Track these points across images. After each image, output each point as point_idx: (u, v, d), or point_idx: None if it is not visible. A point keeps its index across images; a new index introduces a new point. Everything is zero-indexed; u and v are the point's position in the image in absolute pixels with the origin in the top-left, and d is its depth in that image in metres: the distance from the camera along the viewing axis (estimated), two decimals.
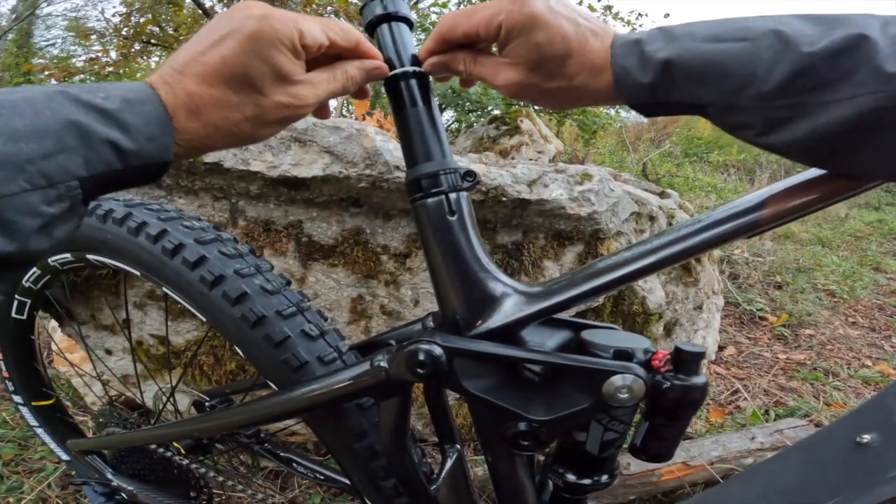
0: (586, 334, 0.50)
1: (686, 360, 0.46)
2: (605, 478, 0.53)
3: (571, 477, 0.53)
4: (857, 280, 2.76)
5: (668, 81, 0.39)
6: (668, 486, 1.15)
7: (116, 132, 0.34)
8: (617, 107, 4.71)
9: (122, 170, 0.34)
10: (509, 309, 0.49)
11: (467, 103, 3.51)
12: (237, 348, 0.60)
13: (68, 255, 0.72)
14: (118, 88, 0.36)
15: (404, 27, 0.51)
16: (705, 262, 1.40)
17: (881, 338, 2.18)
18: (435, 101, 0.52)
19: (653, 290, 1.18)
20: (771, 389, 1.70)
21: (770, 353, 1.97)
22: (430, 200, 0.49)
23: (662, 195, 1.44)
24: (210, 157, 0.92)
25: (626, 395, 0.44)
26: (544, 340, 0.50)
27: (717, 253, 1.67)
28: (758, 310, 2.27)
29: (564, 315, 0.52)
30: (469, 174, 0.50)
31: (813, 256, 3.09)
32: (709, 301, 1.45)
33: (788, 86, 0.35)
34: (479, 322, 0.49)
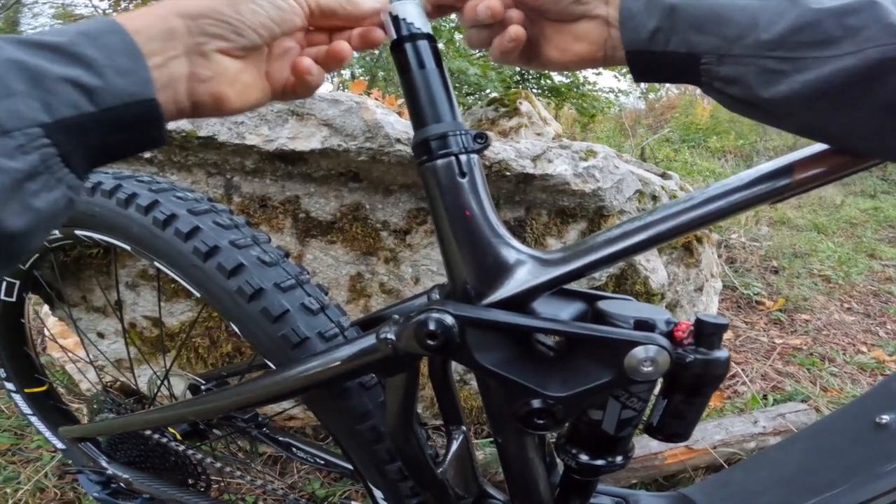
0: (602, 305, 0.48)
1: (708, 333, 0.44)
2: (619, 458, 0.51)
3: (584, 458, 0.51)
4: (853, 266, 2.75)
5: (669, 27, 0.40)
6: (670, 470, 1.14)
7: (75, 69, 0.30)
8: (615, 90, 4.68)
9: (98, 113, 0.30)
10: (524, 276, 0.46)
11: (465, 86, 3.47)
12: (233, 324, 0.57)
13: (56, 231, 0.69)
14: (74, 25, 0.32)
15: None
16: (706, 243, 1.38)
17: (876, 324, 2.18)
18: (444, 64, 0.50)
19: (656, 269, 1.16)
20: (769, 374, 1.70)
21: (767, 337, 1.96)
22: (439, 162, 0.46)
23: (664, 176, 1.42)
24: (204, 131, 0.88)
25: (649, 369, 0.41)
26: (558, 312, 0.47)
27: (715, 236, 1.65)
28: (755, 294, 2.26)
29: (576, 286, 0.50)
30: (480, 136, 0.47)
31: (809, 242, 3.08)
32: (708, 284, 1.43)
33: (789, 37, 0.36)
34: (492, 290, 0.47)
